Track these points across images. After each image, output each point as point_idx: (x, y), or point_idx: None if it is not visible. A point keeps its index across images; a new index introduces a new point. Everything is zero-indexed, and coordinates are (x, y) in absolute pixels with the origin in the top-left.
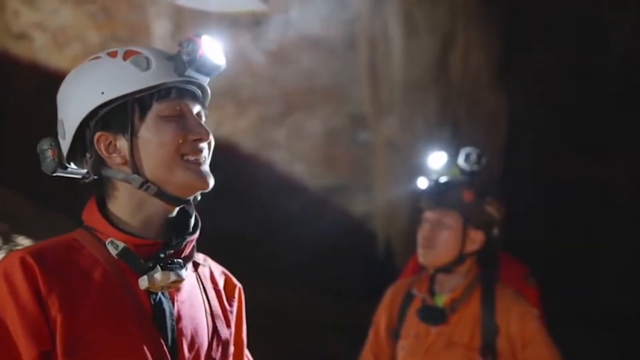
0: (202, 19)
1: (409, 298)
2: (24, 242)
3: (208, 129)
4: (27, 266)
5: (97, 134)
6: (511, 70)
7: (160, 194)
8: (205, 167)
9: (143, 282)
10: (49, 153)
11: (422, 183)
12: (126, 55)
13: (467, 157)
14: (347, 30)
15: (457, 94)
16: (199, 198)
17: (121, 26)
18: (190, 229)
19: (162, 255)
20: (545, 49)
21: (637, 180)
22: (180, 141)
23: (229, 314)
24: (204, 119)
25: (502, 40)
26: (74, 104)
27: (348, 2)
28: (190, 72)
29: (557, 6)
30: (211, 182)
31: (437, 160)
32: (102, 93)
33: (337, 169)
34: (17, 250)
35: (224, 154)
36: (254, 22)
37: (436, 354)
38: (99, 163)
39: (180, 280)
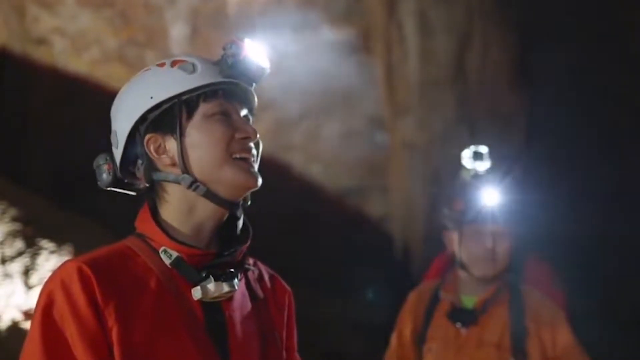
0: (220, 23)
1: (434, 301)
2: (47, 245)
3: (255, 129)
4: (84, 276)
5: (147, 137)
6: (530, 70)
7: (210, 194)
8: (254, 167)
9: (196, 293)
10: (105, 167)
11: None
12: (174, 63)
13: (477, 155)
14: (364, 31)
15: (475, 94)
16: (248, 203)
17: (139, 30)
18: (242, 237)
19: (214, 265)
20: (565, 48)
21: None
22: (228, 139)
23: (278, 320)
24: (251, 122)
25: (520, 39)
26: (126, 113)
27: (363, 3)
28: (235, 74)
29: (576, 5)
30: (259, 181)
31: (473, 158)
32: (151, 98)
33: (354, 171)
34: (73, 259)
35: None
36: (270, 24)
37: (467, 354)
38: (150, 167)
39: (232, 290)
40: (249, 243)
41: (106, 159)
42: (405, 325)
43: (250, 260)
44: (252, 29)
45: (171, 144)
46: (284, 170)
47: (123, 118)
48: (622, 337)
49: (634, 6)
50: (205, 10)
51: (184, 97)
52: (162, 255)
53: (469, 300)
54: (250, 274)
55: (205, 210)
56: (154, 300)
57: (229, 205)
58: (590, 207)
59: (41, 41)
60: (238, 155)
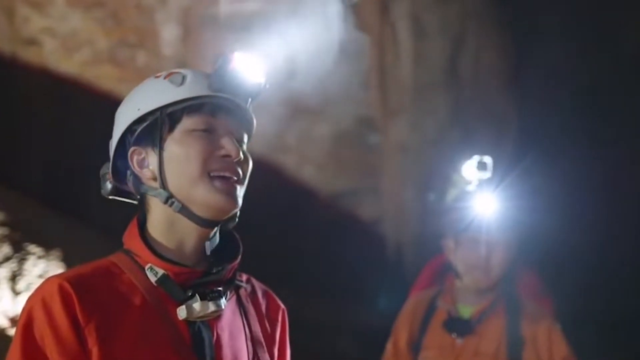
0: (211, 24)
1: (431, 310)
2: (35, 250)
3: (241, 149)
4: (66, 294)
5: (131, 150)
6: (522, 73)
7: (185, 212)
8: (233, 189)
9: (181, 312)
10: (107, 177)
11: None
12: (168, 75)
13: (482, 165)
14: (357, 33)
15: (468, 97)
16: (235, 222)
17: (130, 31)
18: (231, 254)
19: (201, 284)
20: (558, 50)
21: None
22: (207, 156)
23: (270, 339)
24: (244, 140)
25: (513, 42)
26: (118, 124)
27: (357, 5)
28: (223, 88)
29: (568, 7)
30: (235, 205)
31: (473, 168)
32: (138, 109)
33: (347, 173)
34: (56, 275)
35: None
36: (264, 26)
37: None
38: (136, 180)
39: (219, 310)
40: (238, 260)
41: (109, 169)
42: (401, 333)
43: (243, 277)
44: (245, 30)
45: (152, 158)
46: (277, 172)
47: (116, 129)
48: (620, 340)
49: (626, 6)
50: (197, 11)
51: (168, 110)
52: (148, 273)
53: (466, 310)
54: (242, 291)
55: (185, 227)
56: (137, 320)
57: (206, 224)
58: (585, 211)
59: (31, 42)
60: (217, 174)
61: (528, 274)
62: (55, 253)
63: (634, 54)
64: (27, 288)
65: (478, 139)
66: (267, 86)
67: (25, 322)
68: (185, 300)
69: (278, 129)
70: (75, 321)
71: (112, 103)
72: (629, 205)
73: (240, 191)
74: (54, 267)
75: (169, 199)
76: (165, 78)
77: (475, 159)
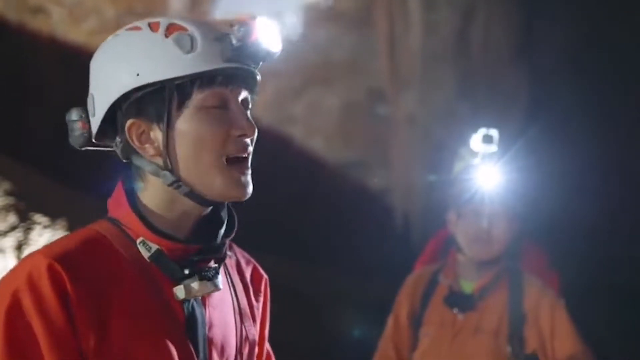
0: None
1: (432, 285)
2: (40, 219)
3: (253, 122)
4: (55, 275)
5: (129, 122)
6: (533, 45)
7: (192, 195)
8: (247, 176)
9: (179, 293)
10: (79, 125)
11: (462, 170)
12: (169, 31)
13: (488, 138)
14: (366, 3)
15: (477, 68)
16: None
17: (137, 1)
18: (226, 228)
19: (197, 261)
20: (568, 21)
21: None
22: (223, 138)
23: (255, 310)
24: (250, 106)
25: (523, 14)
26: (106, 81)
27: None
28: (240, 58)
29: None
30: (249, 193)
31: (480, 141)
32: (138, 75)
33: (355, 144)
34: (41, 253)
35: None
36: None
37: (463, 340)
38: (129, 150)
39: (217, 289)
40: (233, 234)
41: (81, 116)
42: (402, 308)
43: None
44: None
45: (157, 134)
46: (284, 143)
47: (102, 88)
48: (626, 314)
49: None
50: None
51: (177, 82)
52: (140, 247)
53: (468, 285)
54: (228, 260)
55: (187, 204)
56: (130, 301)
57: (214, 205)
58: (592, 186)
59: (38, 10)
60: (232, 155)
61: (533, 248)
62: (61, 223)
63: None
64: None
65: (486, 112)
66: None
67: (10, 305)
68: (181, 279)
69: (286, 100)
70: (67, 305)
71: None
72: (637, 177)
73: (250, 169)
74: (60, 237)
75: (174, 182)
76: (167, 35)
77: (482, 131)
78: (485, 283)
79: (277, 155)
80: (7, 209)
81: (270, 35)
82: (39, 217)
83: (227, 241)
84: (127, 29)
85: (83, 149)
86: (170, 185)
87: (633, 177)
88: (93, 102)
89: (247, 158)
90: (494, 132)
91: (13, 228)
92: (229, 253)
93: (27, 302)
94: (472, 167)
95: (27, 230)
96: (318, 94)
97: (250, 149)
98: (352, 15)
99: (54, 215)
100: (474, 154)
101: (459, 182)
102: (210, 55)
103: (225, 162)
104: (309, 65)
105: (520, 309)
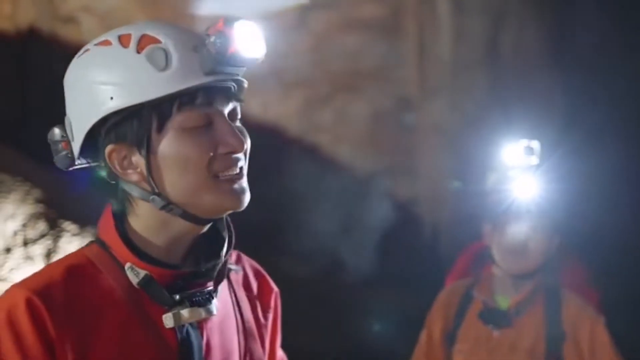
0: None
1: (466, 300)
2: (69, 227)
3: (243, 136)
4: (35, 311)
5: (109, 148)
6: (567, 50)
7: (186, 216)
8: (240, 184)
9: (168, 321)
10: (61, 146)
11: (497, 181)
12: (140, 45)
13: (529, 150)
14: (394, 9)
15: (509, 76)
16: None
17: (168, 9)
18: (223, 249)
19: (188, 286)
20: (603, 26)
21: None
22: (210, 156)
23: (263, 327)
24: (239, 116)
25: (556, 18)
26: (80, 106)
27: None
28: (221, 69)
29: None
30: (245, 200)
31: (511, 154)
32: (111, 98)
33: (383, 152)
34: (20, 285)
35: (271, 136)
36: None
37: (499, 358)
38: (114, 176)
39: (210, 316)
40: (229, 254)
41: (62, 136)
42: (436, 324)
43: (233, 257)
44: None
45: (138, 159)
46: (311, 151)
47: (77, 110)
48: None
49: None
50: None
51: (154, 103)
52: (129, 273)
53: (504, 301)
54: (233, 275)
55: (181, 227)
56: (118, 330)
57: (210, 222)
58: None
59: (69, 19)
60: (221, 176)
61: (572, 262)
62: (90, 230)
63: None
64: None
65: (519, 120)
66: (265, 52)
67: None
68: (171, 305)
69: (314, 108)
70: (48, 341)
71: None
72: None
73: (245, 176)
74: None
75: (166, 206)
76: (139, 50)
77: (522, 143)
78: (522, 298)
79: (305, 164)
80: (37, 216)
81: (251, 39)
82: (68, 225)
83: (219, 264)
84: (96, 44)
85: (70, 169)
86: (162, 209)
87: None
88: (70, 127)
89: (239, 174)
90: (535, 144)
91: (42, 236)
92: (234, 268)
93: (5, 340)
94: (508, 178)
95: (57, 238)
96: (346, 101)
97: (241, 163)
98: (380, 22)
99: (83, 223)
100: (509, 165)
101: (494, 193)
102: (187, 70)
103: (215, 179)
104: (337, 72)
105: (558, 326)
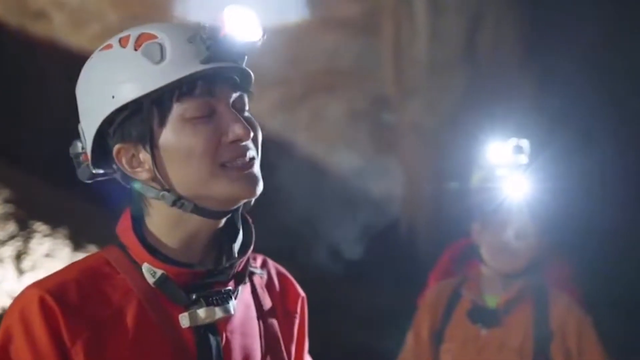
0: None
1: (454, 299)
2: (41, 228)
3: (249, 123)
4: (47, 309)
5: (116, 147)
6: (543, 50)
7: (198, 210)
8: (252, 171)
9: (184, 321)
10: (82, 158)
11: (482, 180)
12: (138, 43)
13: (518, 149)
14: (371, 9)
15: (486, 75)
16: (251, 204)
17: (139, 5)
18: (242, 246)
19: (205, 285)
20: (579, 25)
21: None
22: (214, 148)
23: (288, 333)
24: (247, 106)
25: (533, 18)
26: (87, 110)
27: None
28: (219, 57)
29: None
30: (258, 188)
31: (498, 152)
32: (113, 97)
33: (360, 152)
34: (35, 285)
35: None
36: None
37: (487, 357)
38: (127, 178)
39: (227, 315)
40: (250, 251)
41: (82, 148)
42: (423, 323)
43: (258, 261)
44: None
45: (145, 156)
46: (288, 150)
47: (85, 115)
48: None
49: None
50: None
51: (154, 96)
52: (145, 273)
53: (492, 300)
54: (256, 278)
55: (196, 224)
56: (132, 331)
57: (224, 215)
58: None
59: (39, 15)
60: (229, 165)
61: (558, 261)
62: (62, 231)
63: None
64: (32, 267)
65: (499, 119)
66: (265, 36)
67: (2, 341)
68: (188, 305)
69: (290, 107)
70: (60, 341)
71: None
72: None
73: (258, 165)
74: (60, 245)
75: (176, 201)
76: (136, 48)
77: (511, 142)
78: (510, 297)
79: (280, 163)
80: (7, 217)
81: (244, 23)
82: (39, 226)
83: (241, 260)
84: (100, 50)
85: (91, 181)
86: (172, 205)
87: None
88: (83, 135)
89: (249, 162)
90: (525, 143)
91: (12, 237)
92: (258, 272)
93: (17, 338)
94: (495, 177)
95: (27, 239)
96: (322, 101)
97: (252, 153)
98: (357, 22)
99: (54, 224)
100: (496, 163)
101: (481, 192)
102: (183, 60)
103: (222, 168)
104: (314, 71)
105: (547, 325)
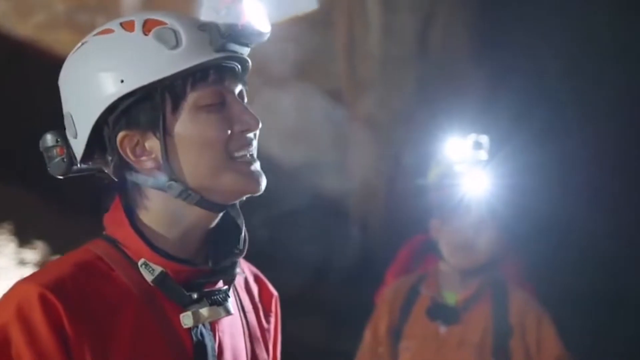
0: None
1: (413, 296)
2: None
3: (256, 115)
4: (49, 306)
5: (120, 135)
6: (494, 47)
7: (203, 203)
8: (257, 166)
9: (187, 320)
10: (56, 152)
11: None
12: (146, 28)
13: (477, 145)
14: (325, 4)
15: (438, 71)
16: (244, 198)
17: None
18: (238, 244)
19: (205, 283)
20: (529, 23)
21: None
22: (226, 137)
23: (266, 332)
24: (246, 99)
25: (484, 15)
26: (85, 96)
27: None
28: (232, 45)
29: None
30: (263, 185)
31: (457, 148)
32: (122, 81)
33: (312, 146)
34: (31, 280)
35: None
36: None
37: (447, 354)
38: (124, 167)
39: (229, 314)
40: (245, 250)
41: (57, 141)
42: (381, 320)
43: None
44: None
45: (153, 144)
46: None
47: (82, 104)
48: (611, 321)
49: None
50: None
51: (167, 82)
52: (143, 270)
53: (451, 297)
54: (238, 278)
55: (195, 218)
56: (132, 331)
57: (224, 209)
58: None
59: None
60: (238, 154)
61: (514, 257)
62: (7, 227)
63: (609, 22)
64: None
65: (452, 115)
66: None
67: None
68: (188, 304)
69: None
70: (63, 338)
71: None
72: (620, 179)
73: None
74: (4, 241)
75: (183, 192)
76: (146, 32)
77: (471, 138)
78: (470, 294)
79: None
80: None
81: (258, 14)
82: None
83: (238, 260)
84: (95, 34)
85: (66, 176)
86: (178, 196)
87: (616, 175)
88: (73, 123)
89: (253, 157)
90: (484, 139)
91: None
92: (238, 271)
93: (17, 337)
94: (453, 173)
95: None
96: (274, 95)
97: (255, 143)
98: (310, 16)
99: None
100: (454, 159)
101: (440, 188)
102: (199, 46)
103: (233, 160)
104: (265, 65)
105: (506, 321)
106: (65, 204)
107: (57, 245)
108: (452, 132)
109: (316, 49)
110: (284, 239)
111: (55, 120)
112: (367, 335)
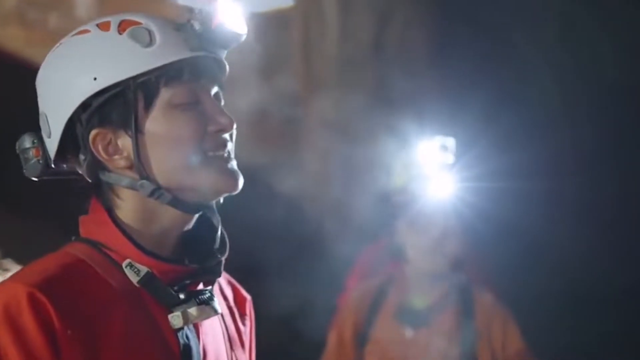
0: None
1: (379, 299)
2: None
3: (231, 115)
4: (39, 306)
5: (93, 132)
6: (452, 48)
7: (176, 203)
8: (233, 164)
9: (176, 321)
10: (32, 153)
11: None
12: (122, 27)
13: (444, 148)
14: (280, 4)
15: (395, 73)
16: (221, 200)
17: None
18: (217, 244)
19: (190, 283)
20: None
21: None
22: (200, 136)
23: (243, 335)
24: (222, 101)
25: (442, 16)
26: (59, 95)
27: None
28: (207, 45)
29: None
30: (240, 183)
31: (423, 151)
32: (95, 79)
33: (267, 147)
34: (15, 280)
35: None
36: None
37: (414, 358)
38: (97, 166)
39: (216, 314)
40: (227, 251)
41: (33, 142)
42: (346, 324)
43: None
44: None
45: (125, 142)
46: None
47: (56, 102)
48: (576, 321)
49: None
50: None
51: (140, 80)
52: (128, 271)
53: (418, 300)
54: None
55: (169, 218)
56: (120, 333)
57: (199, 209)
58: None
59: None
60: (212, 154)
61: (478, 260)
62: None
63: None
64: None
65: (405, 117)
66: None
67: None
68: (176, 304)
69: None
70: (54, 339)
71: (20, 68)
72: (582, 184)
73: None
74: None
75: (155, 191)
76: (121, 32)
77: (437, 140)
78: (437, 298)
79: None
80: None
81: (234, 16)
82: None
83: (223, 260)
84: (72, 35)
85: (40, 179)
86: (150, 195)
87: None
88: (47, 122)
89: (229, 156)
90: (450, 142)
91: None
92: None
93: (5, 339)
94: (419, 176)
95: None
96: (230, 95)
97: (230, 145)
98: (265, 17)
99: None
100: (417, 162)
101: (405, 192)
102: (173, 45)
103: (206, 158)
104: None
105: (472, 324)
106: (19, 207)
107: (8, 249)
108: (415, 135)
109: (271, 50)
110: (234, 237)
111: (5, 113)
112: (332, 338)
